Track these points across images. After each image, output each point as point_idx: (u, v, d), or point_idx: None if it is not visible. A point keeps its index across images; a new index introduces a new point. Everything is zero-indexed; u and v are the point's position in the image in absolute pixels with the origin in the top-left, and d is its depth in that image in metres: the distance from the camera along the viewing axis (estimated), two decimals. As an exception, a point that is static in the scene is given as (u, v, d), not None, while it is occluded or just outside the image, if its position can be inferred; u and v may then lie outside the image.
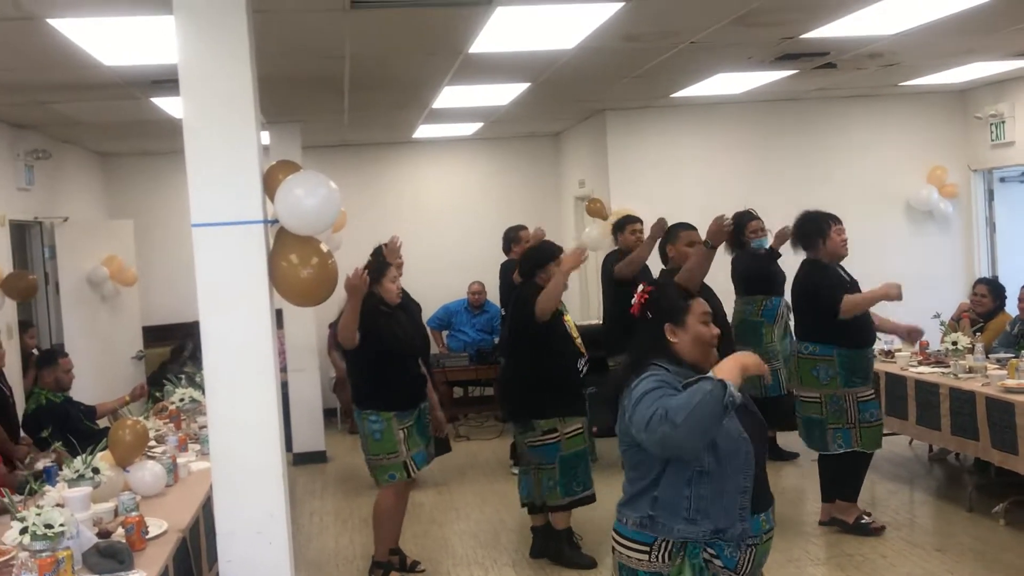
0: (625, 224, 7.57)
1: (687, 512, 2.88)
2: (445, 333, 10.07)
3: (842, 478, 6.05)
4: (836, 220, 5.94)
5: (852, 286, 5.91)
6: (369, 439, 5.49)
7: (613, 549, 3.06)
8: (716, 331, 3.05)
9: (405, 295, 6.08)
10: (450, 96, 7.58)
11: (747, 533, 2.90)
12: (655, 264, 6.67)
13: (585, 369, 5.60)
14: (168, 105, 7.15)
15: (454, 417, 9.99)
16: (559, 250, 5.74)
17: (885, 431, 6.51)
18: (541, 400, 5.53)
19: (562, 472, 5.56)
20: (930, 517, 6.52)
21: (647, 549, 2.94)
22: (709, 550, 2.91)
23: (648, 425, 2.75)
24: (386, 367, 5.47)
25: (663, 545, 2.92)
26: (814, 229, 5.92)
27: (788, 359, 7.01)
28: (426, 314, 9.52)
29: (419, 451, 5.57)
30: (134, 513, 3.82)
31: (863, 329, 5.90)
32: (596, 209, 8.88)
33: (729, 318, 6.95)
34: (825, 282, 5.85)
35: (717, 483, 2.86)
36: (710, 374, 2.77)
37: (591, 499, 5.68)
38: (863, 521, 5.99)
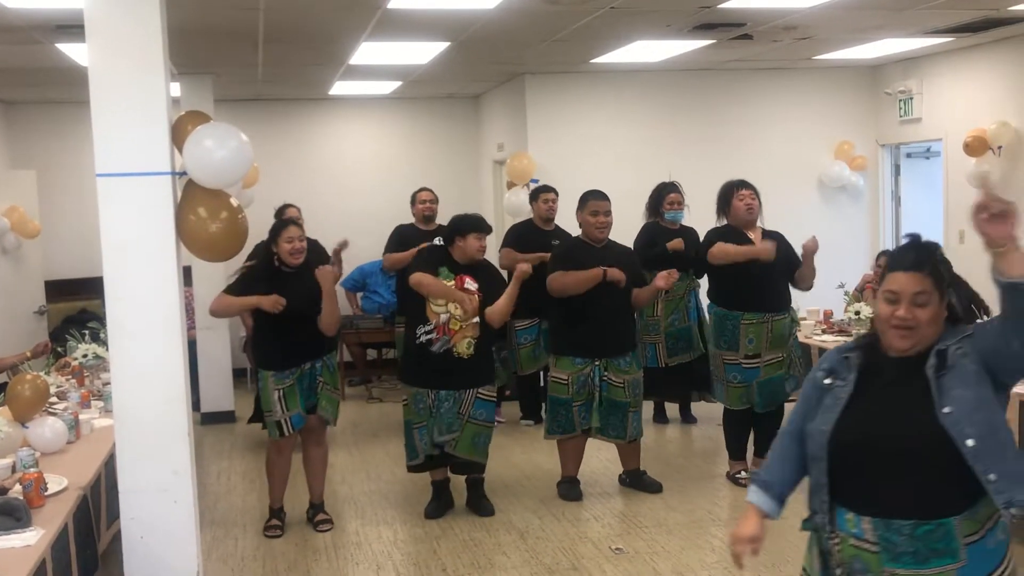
0: (539, 193, 7.64)
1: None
2: (360, 295, 9.98)
3: (726, 436, 6.45)
4: (740, 186, 6.19)
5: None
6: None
7: None
8: (898, 312, 2.50)
9: (318, 255, 6.05)
10: (368, 52, 7.46)
11: (823, 526, 2.63)
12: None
13: (426, 339, 5.61)
14: (74, 52, 6.90)
15: (367, 379, 9.97)
16: (480, 227, 5.74)
17: (794, 399, 6.74)
18: None
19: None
20: (829, 480, 6.72)
21: None
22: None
23: None
24: (263, 326, 5.72)
25: None
26: (720, 197, 6.25)
27: (681, 331, 7.38)
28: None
29: (296, 413, 5.65)
30: (32, 470, 3.73)
31: (738, 293, 6.11)
32: (521, 168, 8.88)
33: None
34: (708, 240, 6.21)
35: (809, 466, 2.67)
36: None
37: (416, 469, 5.94)
38: (736, 475, 6.33)
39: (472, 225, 5.75)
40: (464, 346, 5.62)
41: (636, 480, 6.30)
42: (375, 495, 6.47)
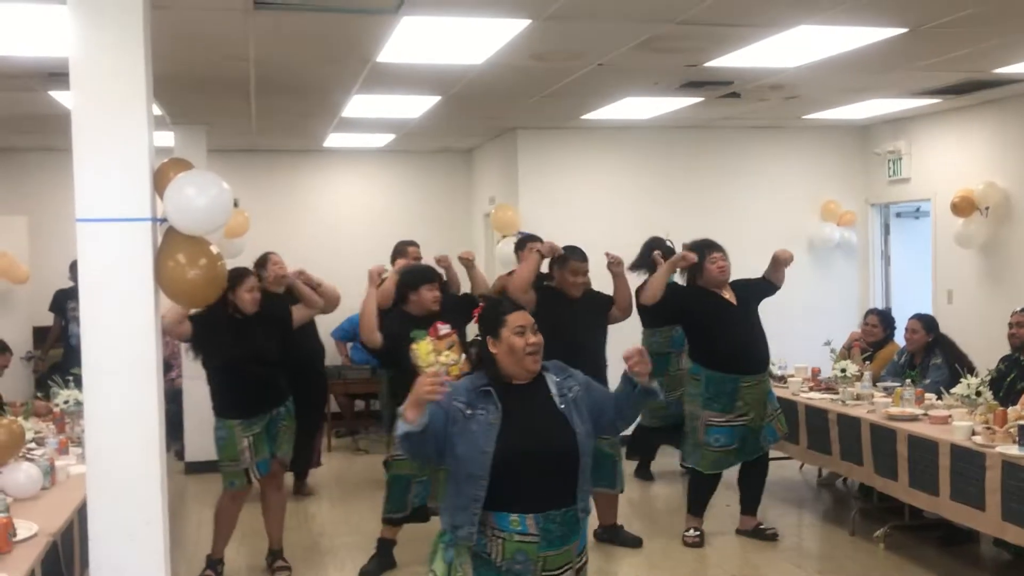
0: (526, 242, 7.60)
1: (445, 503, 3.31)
2: (349, 345, 9.97)
3: (692, 493, 6.40)
4: (711, 248, 6.19)
5: (726, 310, 6.10)
6: (216, 445, 5.68)
7: None
8: (531, 339, 3.22)
9: (275, 303, 6.01)
10: (360, 105, 7.53)
11: (472, 537, 3.11)
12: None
13: None
14: (66, 99, 6.95)
15: (353, 431, 9.91)
16: (430, 277, 5.67)
17: (778, 454, 6.81)
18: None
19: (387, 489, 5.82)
20: (815, 539, 6.67)
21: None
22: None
23: None
24: (228, 375, 5.62)
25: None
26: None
27: None
28: (332, 325, 9.43)
29: (263, 459, 5.64)
30: (2, 515, 3.68)
31: (734, 355, 6.08)
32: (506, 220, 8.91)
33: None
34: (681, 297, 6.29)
35: (453, 484, 3.20)
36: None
37: (399, 522, 5.81)
38: (688, 532, 6.24)
39: (422, 277, 5.64)
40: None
41: (614, 535, 6.24)
42: (354, 548, 6.38)
